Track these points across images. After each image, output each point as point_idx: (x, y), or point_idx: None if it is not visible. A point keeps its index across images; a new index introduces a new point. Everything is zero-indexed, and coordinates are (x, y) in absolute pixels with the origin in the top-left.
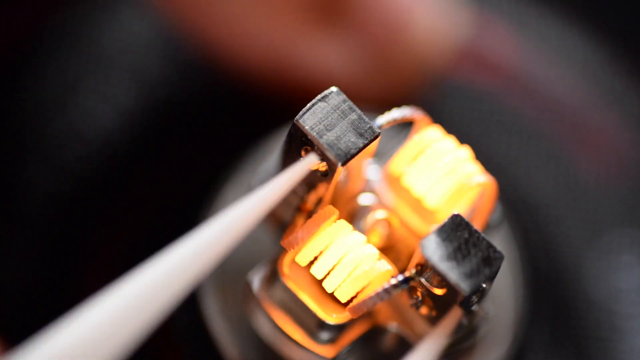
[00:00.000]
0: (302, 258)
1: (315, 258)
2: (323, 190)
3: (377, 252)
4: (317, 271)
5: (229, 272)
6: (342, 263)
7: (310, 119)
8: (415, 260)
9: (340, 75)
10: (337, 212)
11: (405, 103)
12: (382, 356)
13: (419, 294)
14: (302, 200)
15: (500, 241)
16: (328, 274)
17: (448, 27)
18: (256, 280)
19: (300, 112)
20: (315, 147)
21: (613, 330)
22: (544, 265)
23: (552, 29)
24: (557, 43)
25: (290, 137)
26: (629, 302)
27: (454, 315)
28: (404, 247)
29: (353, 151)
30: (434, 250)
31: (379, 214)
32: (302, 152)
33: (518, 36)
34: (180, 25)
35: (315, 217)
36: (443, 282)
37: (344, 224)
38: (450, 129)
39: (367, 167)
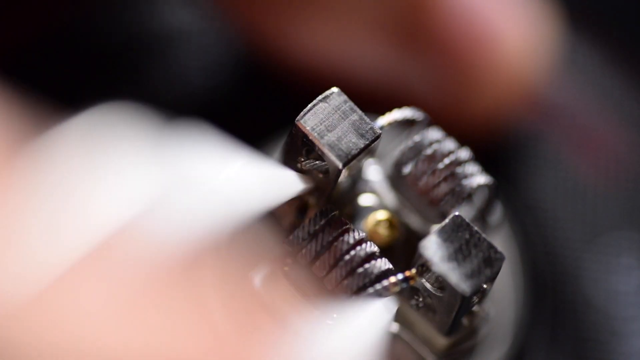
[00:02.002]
0: (303, 257)
1: (317, 257)
2: (324, 190)
3: (377, 249)
4: (318, 270)
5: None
6: (343, 261)
7: (311, 119)
8: (415, 260)
9: (427, 97)
10: (337, 211)
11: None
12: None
13: (419, 294)
14: (303, 200)
15: (500, 242)
16: (329, 272)
17: (538, 39)
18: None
19: (302, 113)
20: (316, 148)
21: (611, 332)
22: (544, 267)
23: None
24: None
25: (291, 137)
26: (628, 304)
27: None
28: (405, 247)
29: (354, 152)
30: (434, 251)
31: (380, 215)
32: (303, 153)
33: None
34: (250, 36)
35: (315, 216)
36: (443, 282)
37: (344, 222)
38: (450, 129)
39: (368, 168)
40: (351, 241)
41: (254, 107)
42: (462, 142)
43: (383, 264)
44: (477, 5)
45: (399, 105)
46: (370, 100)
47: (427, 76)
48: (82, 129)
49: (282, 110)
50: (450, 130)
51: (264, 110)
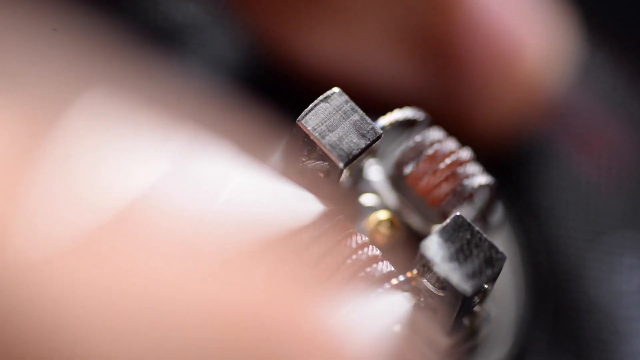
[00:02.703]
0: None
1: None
2: (325, 190)
3: (379, 253)
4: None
5: None
6: (345, 264)
7: (312, 119)
8: (417, 261)
9: (446, 110)
10: (341, 215)
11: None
12: None
13: (420, 294)
14: None
15: (501, 242)
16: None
17: (558, 52)
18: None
19: (303, 113)
20: (318, 148)
21: (614, 332)
22: (545, 267)
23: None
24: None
25: (292, 138)
26: (630, 304)
27: None
28: (406, 247)
29: (355, 152)
30: (435, 251)
31: (381, 215)
32: (304, 153)
33: None
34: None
35: (320, 219)
36: (445, 283)
37: (348, 226)
38: (451, 130)
39: (369, 168)
40: (354, 245)
41: (256, 105)
42: (468, 143)
43: (385, 267)
44: (497, 14)
45: (404, 105)
46: (375, 101)
47: (442, 83)
48: (93, 107)
49: (283, 110)
50: (462, 136)
51: (266, 110)
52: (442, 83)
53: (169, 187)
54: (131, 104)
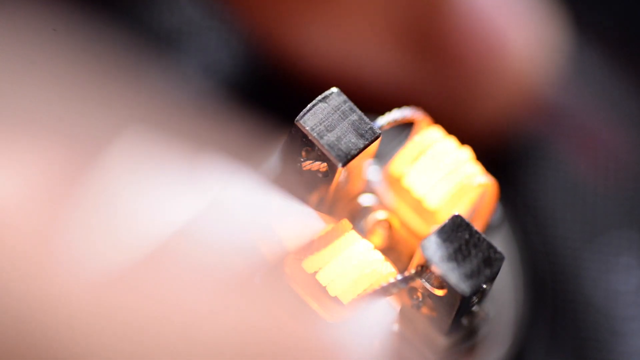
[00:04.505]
0: (310, 265)
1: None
2: (324, 190)
3: (382, 257)
4: (322, 278)
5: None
6: (347, 271)
7: (310, 119)
8: (415, 260)
9: (432, 102)
10: (351, 226)
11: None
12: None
13: (419, 294)
14: (304, 201)
15: (500, 242)
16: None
17: (548, 50)
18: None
19: (301, 113)
20: (316, 148)
21: (611, 331)
22: (543, 267)
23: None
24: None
25: (290, 137)
26: (627, 303)
27: None
28: (405, 247)
29: (353, 152)
30: (434, 251)
31: (380, 215)
32: (303, 153)
33: None
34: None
35: (331, 231)
36: (443, 283)
37: (354, 235)
38: (456, 133)
39: (367, 168)
40: (356, 253)
41: (254, 106)
42: (464, 142)
43: (386, 269)
44: (487, 13)
45: (402, 105)
46: (374, 101)
47: (435, 81)
48: (128, 148)
49: (282, 110)
50: (456, 134)
51: (264, 110)
52: (439, 82)
53: (200, 222)
54: (159, 140)
